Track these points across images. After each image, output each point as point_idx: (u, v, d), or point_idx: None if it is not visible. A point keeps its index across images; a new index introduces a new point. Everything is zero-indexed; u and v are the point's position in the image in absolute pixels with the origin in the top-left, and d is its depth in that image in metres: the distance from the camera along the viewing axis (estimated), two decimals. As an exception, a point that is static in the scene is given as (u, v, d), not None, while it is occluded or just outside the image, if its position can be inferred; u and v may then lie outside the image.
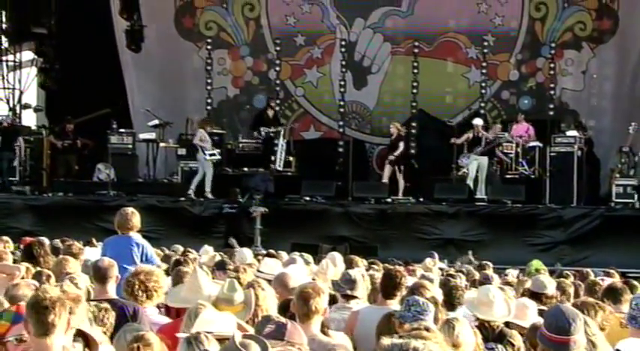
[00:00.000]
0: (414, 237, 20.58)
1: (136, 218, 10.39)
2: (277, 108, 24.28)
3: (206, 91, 24.86)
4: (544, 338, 5.02)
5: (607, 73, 24.58)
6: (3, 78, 25.54)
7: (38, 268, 8.75)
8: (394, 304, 7.55)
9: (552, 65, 23.78)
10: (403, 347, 3.53)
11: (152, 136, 23.37)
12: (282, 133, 23.17)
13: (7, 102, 25.39)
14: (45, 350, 4.43)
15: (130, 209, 10.61)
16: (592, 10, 24.45)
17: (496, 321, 7.17)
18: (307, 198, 21.71)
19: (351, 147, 23.56)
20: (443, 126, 23.54)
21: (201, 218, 21.19)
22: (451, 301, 8.12)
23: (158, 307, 7.62)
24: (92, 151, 23.90)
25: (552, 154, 21.50)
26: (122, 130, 23.48)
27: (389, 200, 21.61)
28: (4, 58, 25.64)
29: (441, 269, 13.83)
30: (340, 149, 23.82)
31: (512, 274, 14.00)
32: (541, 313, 7.14)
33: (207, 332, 4.80)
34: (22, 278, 7.82)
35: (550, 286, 8.78)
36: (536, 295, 8.54)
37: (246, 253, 12.10)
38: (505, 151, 22.27)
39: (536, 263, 14.80)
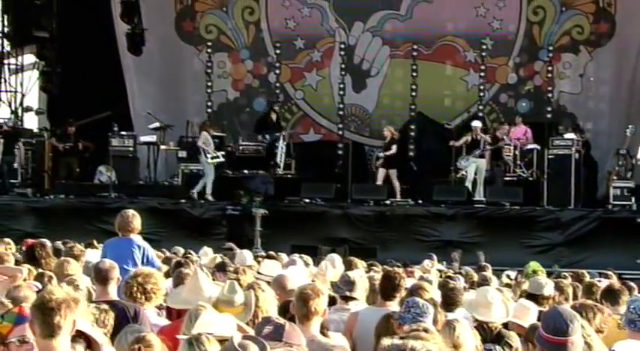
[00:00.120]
0: (413, 239, 20.60)
1: (136, 220, 10.39)
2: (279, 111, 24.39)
3: (206, 94, 24.92)
4: (541, 339, 5.04)
5: (604, 76, 24.57)
6: (5, 81, 25.52)
7: (40, 270, 8.74)
8: (393, 306, 7.54)
9: (550, 68, 23.77)
10: (402, 348, 3.56)
11: (153, 138, 23.40)
12: (282, 136, 23.27)
13: (9, 105, 25.41)
14: (50, 351, 4.44)
15: (131, 211, 10.63)
16: (589, 14, 24.48)
17: (494, 322, 7.21)
18: (307, 200, 21.76)
19: (350, 149, 23.62)
20: (441, 129, 23.55)
21: (201, 220, 21.25)
22: (449, 302, 8.09)
23: (159, 308, 7.66)
24: (93, 153, 23.90)
25: (550, 156, 21.51)
26: (123, 132, 23.49)
27: (388, 202, 21.67)
28: (6, 61, 25.63)
29: (439, 271, 13.90)
30: (339, 152, 23.86)
31: (510, 275, 14.05)
32: (539, 314, 7.17)
33: (208, 333, 4.82)
34: (24, 280, 7.85)
35: (547, 287, 8.74)
36: (534, 297, 8.49)
37: (246, 255, 12.07)
38: (503, 153, 22.34)
39: (533, 265, 14.78)
